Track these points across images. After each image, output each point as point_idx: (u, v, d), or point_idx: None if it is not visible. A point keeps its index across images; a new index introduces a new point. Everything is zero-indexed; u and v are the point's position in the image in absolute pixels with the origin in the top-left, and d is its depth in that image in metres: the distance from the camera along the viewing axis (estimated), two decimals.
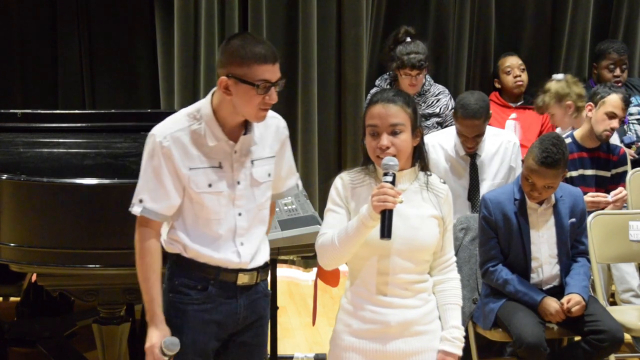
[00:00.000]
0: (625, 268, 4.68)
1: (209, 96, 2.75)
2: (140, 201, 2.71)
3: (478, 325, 4.00)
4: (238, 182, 2.75)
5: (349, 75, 5.72)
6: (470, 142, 4.48)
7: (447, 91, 5.41)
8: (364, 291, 2.71)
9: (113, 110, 5.01)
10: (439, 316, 2.77)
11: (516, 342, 3.72)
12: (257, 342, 2.90)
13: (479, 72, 5.94)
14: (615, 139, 4.79)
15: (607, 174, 4.58)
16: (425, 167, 2.78)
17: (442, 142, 4.57)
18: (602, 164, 4.58)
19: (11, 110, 4.61)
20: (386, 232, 2.56)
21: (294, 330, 4.99)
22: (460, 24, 5.81)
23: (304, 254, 3.95)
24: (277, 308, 4.13)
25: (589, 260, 3.99)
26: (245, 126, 2.76)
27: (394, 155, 2.64)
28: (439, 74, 5.77)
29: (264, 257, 2.84)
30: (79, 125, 4.58)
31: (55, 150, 4.26)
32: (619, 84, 5.36)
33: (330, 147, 5.83)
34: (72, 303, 4.66)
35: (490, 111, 4.53)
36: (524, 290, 3.84)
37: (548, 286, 3.90)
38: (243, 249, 2.77)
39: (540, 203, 3.87)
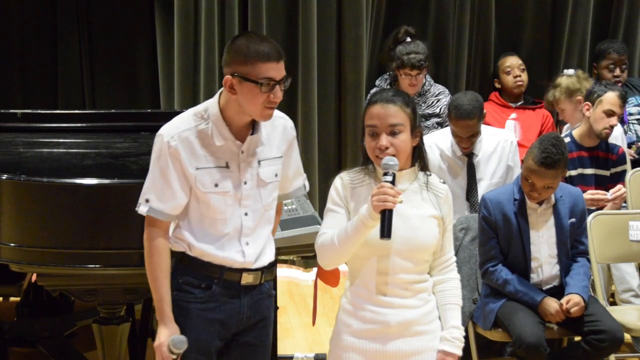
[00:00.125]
0: (625, 268, 4.68)
1: (216, 96, 2.75)
2: (147, 201, 2.71)
3: (478, 325, 4.00)
4: (244, 182, 2.75)
5: (349, 75, 5.71)
6: (465, 143, 4.47)
7: (447, 91, 5.41)
8: (363, 291, 2.71)
9: (113, 110, 5.00)
10: (438, 316, 2.77)
11: (516, 342, 3.71)
12: (261, 343, 2.90)
13: (479, 72, 5.93)
14: (617, 139, 4.78)
15: (607, 173, 4.58)
16: (425, 167, 2.78)
17: (439, 142, 4.55)
18: (601, 163, 4.58)
19: (11, 110, 4.60)
20: (386, 232, 2.56)
21: (294, 330, 4.99)
22: (460, 24, 5.81)
23: (304, 254, 3.94)
24: (277, 308, 4.12)
25: (588, 260, 3.98)
26: (253, 126, 2.75)
27: (393, 155, 2.64)
28: (439, 74, 5.77)
29: (269, 257, 2.84)
30: (79, 125, 4.57)
31: (55, 150, 4.25)
32: (619, 84, 5.36)
33: (330, 147, 5.83)
34: (72, 303, 4.65)
35: (485, 111, 4.52)
36: (524, 290, 3.83)
37: (548, 286, 3.90)
38: (248, 248, 2.77)
39: (540, 203, 3.87)
